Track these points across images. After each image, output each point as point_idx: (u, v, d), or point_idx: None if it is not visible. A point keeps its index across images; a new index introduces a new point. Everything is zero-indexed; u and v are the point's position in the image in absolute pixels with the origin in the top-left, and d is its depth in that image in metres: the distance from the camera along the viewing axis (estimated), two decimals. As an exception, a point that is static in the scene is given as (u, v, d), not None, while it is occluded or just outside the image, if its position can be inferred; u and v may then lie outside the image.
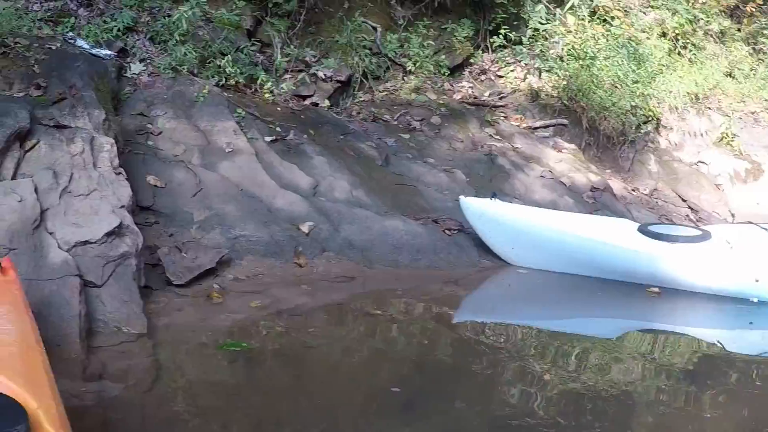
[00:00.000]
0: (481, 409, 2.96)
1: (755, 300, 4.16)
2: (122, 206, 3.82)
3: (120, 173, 4.00)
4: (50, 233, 3.53)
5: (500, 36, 7.02)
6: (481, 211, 4.48)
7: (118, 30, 5.51)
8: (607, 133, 6.57)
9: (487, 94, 6.78)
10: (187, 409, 2.87)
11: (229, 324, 3.69)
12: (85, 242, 3.54)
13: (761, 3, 9.88)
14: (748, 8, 9.51)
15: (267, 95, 5.91)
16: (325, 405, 2.94)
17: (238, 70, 5.81)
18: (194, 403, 2.93)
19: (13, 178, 3.71)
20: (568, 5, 7.38)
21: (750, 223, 4.60)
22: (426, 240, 4.55)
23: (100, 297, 3.43)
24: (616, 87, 6.78)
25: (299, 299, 4.01)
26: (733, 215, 6.32)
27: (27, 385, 1.70)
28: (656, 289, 4.22)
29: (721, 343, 3.84)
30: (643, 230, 4.35)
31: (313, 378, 3.22)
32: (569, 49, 7.02)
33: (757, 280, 4.15)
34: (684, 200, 6.31)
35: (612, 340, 3.81)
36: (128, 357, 3.19)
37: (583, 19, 7.49)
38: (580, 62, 6.85)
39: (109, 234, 3.60)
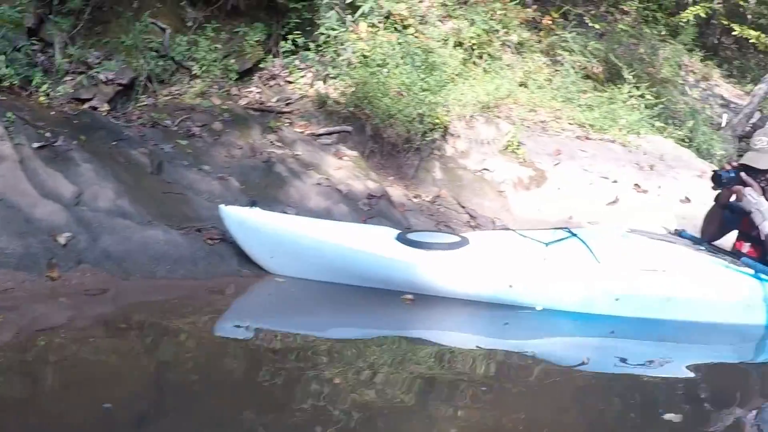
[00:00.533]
0: (227, 420, 2.95)
1: (539, 308, 4.38)
2: None
3: None
4: None
5: (288, 41, 7.12)
6: (241, 220, 4.52)
7: None
8: (392, 140, 6.77)
9: (274, 100, 6.87)
10: None
11: (-38, 341, 3.60)
12: None
13: (557, 17, 10.53)
14: (544, 21, 10.08)
15: (42, 98, 5.78)
16: (52, 421, 2.91)
17: (14, 71, 5.65)
18: None
19: None
20: (359, 12, 7.58)
21: (508, 229, 4.86)
22: (186, 250, 4.57)
23: None
24: (403, 95, 6.98)
25: (46, 313, 3.96)
26: (494, 221, 6.53)
27: None
28: (410, 296, 4.35)
29: (479, 347, 4.03)
30: (401, 238, 4.49)
31: (43, 394, 3.19)
32: (359, 56, 7.21)
33: (510, 286, 4.34)
34: (463, 207, 6.54)
35: (366, 347, 3.90)
36: None
37: (375, 27, 7.71)
38: (369, 69, 7.03)
39: None
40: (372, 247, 4.42)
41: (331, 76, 7.16)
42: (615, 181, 7.88)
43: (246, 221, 4.51)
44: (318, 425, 2.90)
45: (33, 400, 3.11)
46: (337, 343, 3.91)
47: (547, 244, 4.52)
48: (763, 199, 4.49)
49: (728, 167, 4.66)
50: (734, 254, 4.75)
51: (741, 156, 4.93)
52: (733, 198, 4.67)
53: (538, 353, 3.99)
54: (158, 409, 3.05)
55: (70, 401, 3.09)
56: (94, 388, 3.20)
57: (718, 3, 19.60)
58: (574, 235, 4.65)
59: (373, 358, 3.68)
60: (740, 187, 4.54)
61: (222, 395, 3.13)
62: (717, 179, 4.64)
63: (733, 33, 19.10)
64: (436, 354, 3.84)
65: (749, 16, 22.36)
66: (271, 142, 6.15)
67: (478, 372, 3.60)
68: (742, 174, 4.55)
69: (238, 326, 4.04)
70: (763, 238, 4.48)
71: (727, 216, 4.87)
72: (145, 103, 6.30)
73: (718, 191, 4.78)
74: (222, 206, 4.61)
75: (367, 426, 2.97)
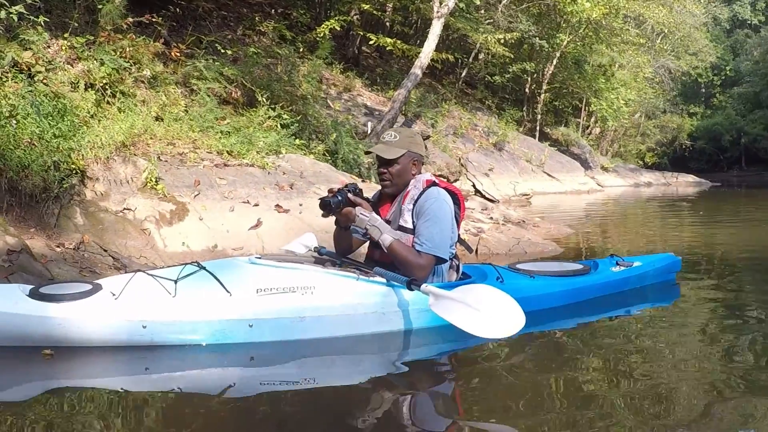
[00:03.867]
0: None
1: (204, 344, 4.59)
2: None
3: None
4: None
5: None
6: None
7: None
8: (29, 191, 7.07)
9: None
10: None
11: None
12: None
13: (186, 47, 11.27)
14: (173, 53, 10.77)
15: None
16: None
17: None
18: None
19: None
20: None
21: (139, 270, 4.91)
22: None
23: None
24: (36, 144, 7.35)
25: None
26: (123, 265, 6.85)
27: None
28: (49, 351, 4.45)
29: (123, 389, 4.15)
30: (34, 293, 4.61)
31: None
32: (-12, 110, 7.52)
33: (144, 326, 4.51)
34: (105, 250, 6.92)
35: (7, 408, 3.82)
36: None
37: (1, 77, 8.04)
38: (-2, 123, 7.36)
39: None
40: (3, 306, 4.50)
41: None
42: (256, 205, 8.55)
43: None
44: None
45: None
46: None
47: (176, 281, 4.73)
48: (374, 214, 4.87)
49: (334, 191, 4.94)
50: (368, 265, 5.04)
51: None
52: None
53: (184, 389, 4.16)
54: None
55: None
56: None
57: (355, 15, 21.39)
58: (203, 268, 4.87)
59: (23, 415, 3.67)
60: (350, 209, 4.86)
61: None
62: (326, 206, 4.84)
63: (371, 42, 21.00)
64: (84, 403, 3.88)
65: (388, 24, 24.53)
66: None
67: (127, 415, 3.68)
68: (350, 195, 4.88)
69: None
70: (386, 251, 4.84)
71: (354, 230, 5.17)
72: None
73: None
74: None
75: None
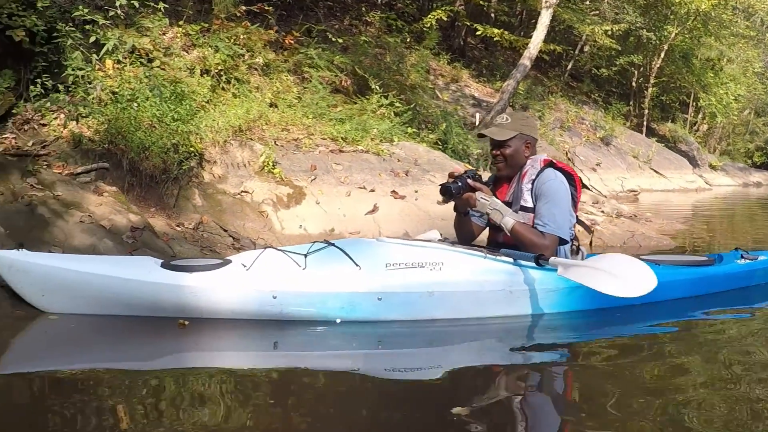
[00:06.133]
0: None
1: (338, 321, 4.61)
2: None
3: None
4: None
5: (37, 85, 7.55)
6: (10, 263, 4.75)
7: None
8: (149, 172, 7.23)
9: (30, 143, 7.18)
10: None
11: None
12: None
13: (299, 35, 11.34)
14: (287, 41, 10.85)
15: None
16: None
17: None
18: None
19: None
20: (104, 50, 8.05)
21: (269, 247, 5.05)
22: (-47, 297, 4.77)
23: None
24: (155, 127, 7.49)
25: None
26: (254, 242, 6.95)
27: None
28: (183, 321, 4.57)
29: (250, 366, 4.20)
30: (166, 265, 4.75)
31: None
32: (108, 94, 7.67)
33: (274, 297, 4.57)
34: (225, 230, 7.01)
35: (147, 375, 3.89)
36: None
37: (121, 63, 8.19)
38: (119, 105, 7.51)
39: None
40: (138, 274, 4.66)
41: (83, 115, 7.54)
42: (372, 190, 8.61)
43: (15, 263, 4.75)
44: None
45: None
46: (120, 374, 3.93)
47: (306, 255, 4.77)
48: (494, 198, 4.85)
49: (455, 175, 4.94)
50: (493, 246, 5.08)
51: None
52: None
53: (311, 368, 4.14)
54: None
55: None
56: None
57: (460, 5, 21.27)
58: (332, 245, 4.91)
59: (155, 385, 3.73)
60: (470, 194, 4.87)
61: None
62: (447, 192, 4.85)
63: (477, 33, 20.83)
64: (213, 378, 3.85)
65: (493, 15, 24.32)
66: (32, 185, 6.47)
67: (259, 391, 3.67)
68: (469, 180, 4.88)
69: (18, 366, 4.13)
70: (508, 233, 4.83)
71: (472, 214, 5.22)
72: None
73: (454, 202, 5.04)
74: None
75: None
